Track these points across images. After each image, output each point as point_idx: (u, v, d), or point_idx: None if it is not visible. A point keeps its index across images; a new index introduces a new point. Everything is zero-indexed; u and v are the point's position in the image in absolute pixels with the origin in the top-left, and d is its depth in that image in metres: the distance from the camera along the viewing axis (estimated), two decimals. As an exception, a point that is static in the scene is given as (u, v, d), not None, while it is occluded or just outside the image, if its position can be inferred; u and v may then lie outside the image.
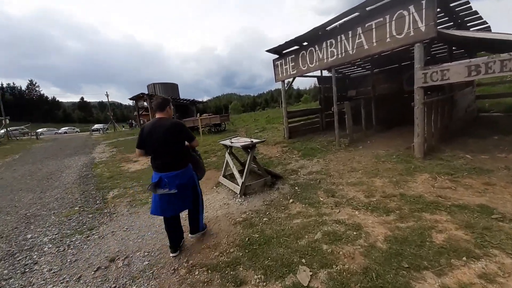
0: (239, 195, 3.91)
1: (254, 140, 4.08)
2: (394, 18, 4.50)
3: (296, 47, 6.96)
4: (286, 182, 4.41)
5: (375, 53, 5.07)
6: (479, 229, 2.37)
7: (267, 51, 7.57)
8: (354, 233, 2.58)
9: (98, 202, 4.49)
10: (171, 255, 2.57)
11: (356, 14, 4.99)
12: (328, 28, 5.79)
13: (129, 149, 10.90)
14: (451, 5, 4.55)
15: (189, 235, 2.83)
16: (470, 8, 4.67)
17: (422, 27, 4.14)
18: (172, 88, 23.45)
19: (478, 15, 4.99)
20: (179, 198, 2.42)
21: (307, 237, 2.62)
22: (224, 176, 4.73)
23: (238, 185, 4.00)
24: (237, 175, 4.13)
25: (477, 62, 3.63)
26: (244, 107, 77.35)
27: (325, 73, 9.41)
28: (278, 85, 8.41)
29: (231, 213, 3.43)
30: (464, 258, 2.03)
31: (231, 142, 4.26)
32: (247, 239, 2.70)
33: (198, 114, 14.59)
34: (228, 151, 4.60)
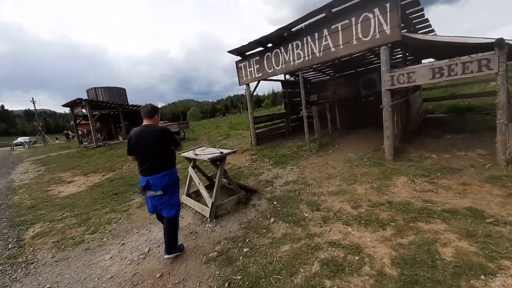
0: (209, 219, 3.19)
1: (224, 151, 3.42)
2: (360, 21, 4.46)
3: (260, 48, 6.59)
4: (262, 196, 3.86)
5: (342, 55, 4.99)
6: (481, 238, 2.20)
7: (229, 52, 7.02)
8: (356, 258, 2.16)
9: (10, 246, 3.23)
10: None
11: (322, 15, 4.85)
12: (293, 29, 5.56)
13: (63, 167, 8.92)
14: (407, 11, 4.76)
15: (165, 256, 2.51)
16: (423, 15, 4.99)
17: (388, 30, 4.16)
18: (118, 93, 20.66)
19: (428, 23, 5.40)
20: (166, 200, 2.50)
21: (302, 270, 2.09)
22: (188, 195, 3.93)
23: (207, 206, 3.27)
24: (204, 194, 3.40)
25: (441, 65, 3.73)
26: (204, 113, 75.12)
27: (288, 77, 9.33)
28: (238, 91, 7.91)
29: (200, 245, 2.70)
30: (482, 277, 1.80)
31: (196, 154, 3.51)
32: (226, 284, 2.04)
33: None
34: (191, 164, 3.83)
